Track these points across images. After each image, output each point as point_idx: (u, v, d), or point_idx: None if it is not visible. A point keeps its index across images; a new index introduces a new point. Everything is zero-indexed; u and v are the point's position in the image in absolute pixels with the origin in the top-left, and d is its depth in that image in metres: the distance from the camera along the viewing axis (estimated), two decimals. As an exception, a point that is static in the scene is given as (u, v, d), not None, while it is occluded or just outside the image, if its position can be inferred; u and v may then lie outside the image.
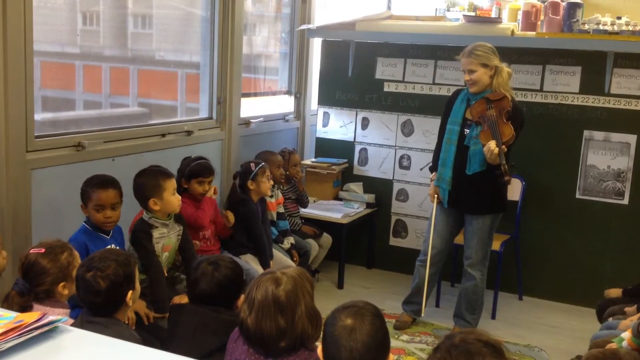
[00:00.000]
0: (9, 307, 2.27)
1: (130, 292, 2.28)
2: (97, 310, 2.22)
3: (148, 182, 3.16)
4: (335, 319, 1.84)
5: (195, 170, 3.72)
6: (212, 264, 2.45)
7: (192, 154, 3.99)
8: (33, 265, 2.36)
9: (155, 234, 3.17)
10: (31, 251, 2.41)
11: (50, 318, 1.70)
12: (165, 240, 3.23)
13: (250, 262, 3.90)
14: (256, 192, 4.01)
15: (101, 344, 1.72)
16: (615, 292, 3.69)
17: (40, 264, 2.36)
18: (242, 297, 2.32)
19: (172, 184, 3.20)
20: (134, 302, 2.35)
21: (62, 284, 2.38)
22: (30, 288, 2.35)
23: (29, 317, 1.68)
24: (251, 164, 4.04)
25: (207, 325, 2.36)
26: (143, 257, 3.08)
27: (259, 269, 3.86)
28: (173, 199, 3.19)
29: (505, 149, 3.56)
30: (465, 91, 3.86)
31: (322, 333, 1.89)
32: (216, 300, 2.41)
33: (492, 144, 3.52)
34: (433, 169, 4.03)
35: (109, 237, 2.96)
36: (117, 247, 2.96)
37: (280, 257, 4.13)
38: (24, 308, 2.30)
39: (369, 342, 1.78)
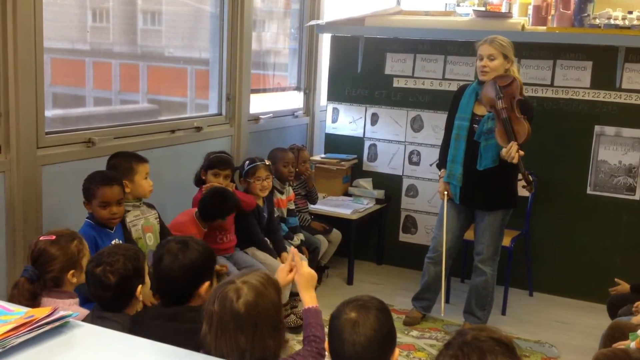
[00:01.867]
0: (19, 294, 2.29)
1: (140, 286, 2.28)
2: (107, 305, 2.23)
3: (121, 164, 3.17)
4: (340, 313, 1.84)
5: (212, 162, 3.78)
6: (180, 243, 2.23)
7: (202, 150, 4.00)
8: (43, 253, 2.37)
9: (129, 217, 3.15)
10: (41, 238, 2.42)
11: (61, 313, 1.70)
12: (143, 221, 3.23)
13: (256, 254, 3.93)
14: (250, 190, 4.00)
15: (112, 339, 1.72)
16: (622, 288, 3.66)
17: (49, 252, 2.37)
18: (206, 284, 2.18)
19: (144, 169, 3.21)
20: (145, 296, 2.35)
21: (71, 272, 2.38)
22: (40, 275, 2.35)
23: (39, 313, 1.69)
24: (246, 162, 4.03)
25: (164, 340, 2.18)
26: None
27: (265, 259, 3.91)
28: (144, 183, 3.20)
29: (522, 153, 3.55)
30: (473, 86, 3.84)
31: (328, 326, 1.89)
32: (177, 284, 2.18)
33: (513, 150, 3.51)
34: (441, 165, 4.01)
35: (112, 232, 2.97)
36: (120, 242, 2.97)
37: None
38: (34, 295, 2.31)
39: (373, 336, 1.78)
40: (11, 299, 2.29)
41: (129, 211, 3.16)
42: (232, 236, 3.84)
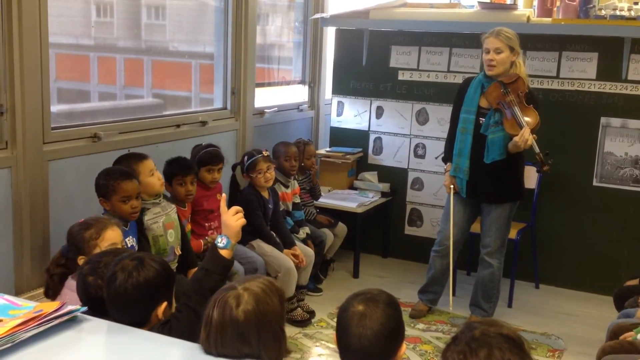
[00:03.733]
0: (52, 264, 2.50)
1: None
2: (92, 310, 2.01)
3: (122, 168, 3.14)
4: (348, 305, 1.84)
5: (204, 158, 3.74)
6: (136, 260, 2.00)
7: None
8: (68, 232, 2.53)
9: (148, 215, 3.14)
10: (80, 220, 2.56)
11: (69, 308, 1.71)
12: (164, 218, 3.22)
13: (262, 247, 3.94)
14: (259, 185, 4.00)
15: (119, 332, 1.73)
16: (633, 283, 3.65)
17: (69, 232, 2.52)
18: (164, 305, 2.00)
19: (146, 166, 3.15)
20: None
21: (81, 258, 2.40)
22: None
23: (48, 307, 1.70)
24: (244, 157, 4.01)
25: None
26: (144, 249, 3.10)
27: (272, 252, 3.92)
28: (152, 180, 3.15)
29: (536, 137, 3.55)
30: (478, 78, 3.83)
31: (336, 318, 1.89)
32: (132, 305, 1.95)
33: (526, 133, 3.51)
34: (446, 159, 4.00)
35: (127, 229, 2.95)
36: (133, 240, 2.98)
37: (299, 246, 4.13)
38: (65, 272, 2.46)
39: (379, 330, 1.78)
40: (47, 271, 2.50)
41: (148, 209, 3.15)
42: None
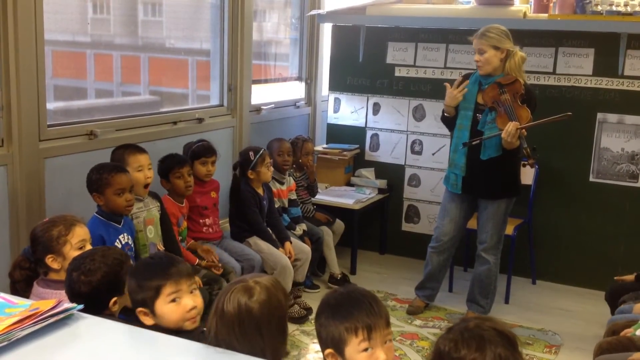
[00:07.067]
0: (14, 268, 2.40)
1: (115, 298, 2.17)
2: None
3: (115, 157, 3.15)
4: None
5: (197, 151, 3.76)
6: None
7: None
8: (32, 233, 2.42)
9: (132, 209, 3.12)
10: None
11: (66, 306, 1.71)
12: (145, 214, 3.22)
13: (259, 244, 3.94)
14: (257, 181, 4.00)
15: (117, 331, 1.73)
16: (627, 278, 3.65)
17: (34, 233, 2.40)
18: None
19: (137, 160, 3.15)
20: (121, 307, 2.21)
21: (49, 257, 2.34)
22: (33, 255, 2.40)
23: (44, 305, 1.69)
24: (250, 153, 4.01)
25: None
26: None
27: (268, 249, 3.92)
28: (137, 175, 3.12)
29: (525, 133, 3.55)
30: (476, 75, 3.83)
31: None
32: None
33: (510, 126, 3.52)
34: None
35: (120, 226, 2.95)
36: (128, 237, 2.97)
37: (295, 243, 4.14)
38: (30, 275, 2.38)
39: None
40: (12, 274, 2.41)
41: None
42: (217, 227, 3.90)
